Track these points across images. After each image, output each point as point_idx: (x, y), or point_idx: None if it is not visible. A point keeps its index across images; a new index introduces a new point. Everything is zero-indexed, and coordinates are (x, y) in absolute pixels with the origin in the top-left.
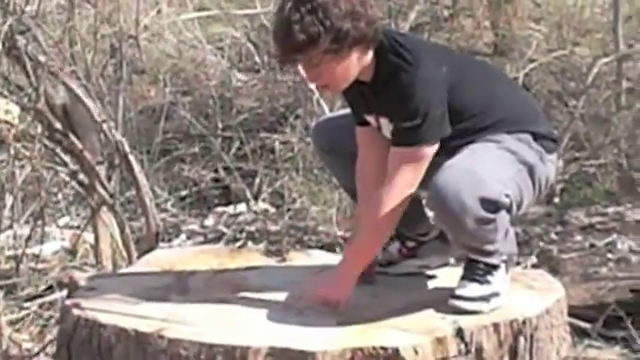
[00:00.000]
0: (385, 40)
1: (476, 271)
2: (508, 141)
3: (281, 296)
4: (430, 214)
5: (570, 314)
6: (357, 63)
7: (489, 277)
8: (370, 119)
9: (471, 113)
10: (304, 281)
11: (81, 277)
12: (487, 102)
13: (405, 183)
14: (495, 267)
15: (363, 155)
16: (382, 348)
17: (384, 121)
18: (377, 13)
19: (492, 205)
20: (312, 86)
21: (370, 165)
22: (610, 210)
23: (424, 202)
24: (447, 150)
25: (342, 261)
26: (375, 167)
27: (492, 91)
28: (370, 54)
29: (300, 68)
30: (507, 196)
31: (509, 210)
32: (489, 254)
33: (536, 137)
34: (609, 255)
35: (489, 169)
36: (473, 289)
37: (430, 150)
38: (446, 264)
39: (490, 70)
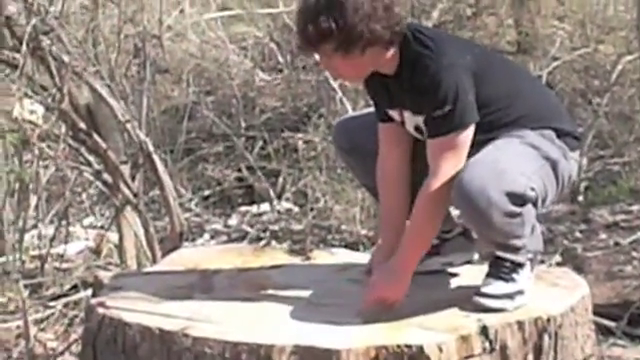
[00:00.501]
0: (408, 33)
1: (502, 269)
2: (531, 137)
3: (305, 294)
4: (454, 211)
5: (595, 312)
6: (373, 61)
7: (515, 275)
8: (394, 114)
9: (495, 107)
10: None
11: (106, 276)
12: (510, 97)
13: (449, 173)
14: (521, 265)
15: (384, 152)
16: (406, 346)
17: (408, 114)
18: (402, 13)
19: (518, 199)
20: (334, 84)
21: (392, 162)
22: (635, 208)
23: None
24: (471, 144)
25: (396, 257)
26: (397, 164)
27: (516, 86)
28: (392, 50)
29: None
30: (532, 189)
31: (535, 204)
32: (516, 250)
33: (559, 134)
34: (634, 253)
35: (513, 163)
36: (498, 287)
37: (467, 135)
38: (470, 261)
39: (513, 66)
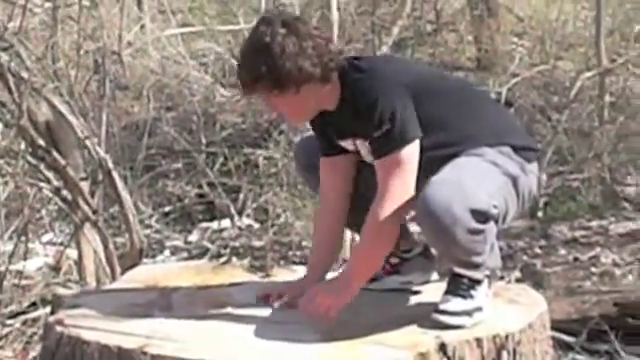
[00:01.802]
0: (346, 64)
1: (460, 286)
2: (490, 154)
3: (264, 312)
4: (415, 230)
5: (554, 328)
6: (311, 99)
7: (472, 292)
8: (347, 145)
9: (443, 126)
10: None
11: (64, 294)
12: (460, 115)
13: (397, 191)
14: (479, 282)
15: (327, 185)
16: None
17: (360, 142)
18: (335, 49)
19: (482, 216)
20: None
21: (333, 194)
22: (594, 224)
23: (408, 218)
24: (422, 163)
25: (343, 272)
26: (337, 195)
27: (465, 104)
28: (329, 86)
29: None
30: (495, 207)
31: (497, 221)
32: (476, 267)
33: (516, 149)
34: (593, 269)
35: (476, 181)
36: (456, 304)
37: (411, 151)
38: (428, 281)
39: (461, 85)
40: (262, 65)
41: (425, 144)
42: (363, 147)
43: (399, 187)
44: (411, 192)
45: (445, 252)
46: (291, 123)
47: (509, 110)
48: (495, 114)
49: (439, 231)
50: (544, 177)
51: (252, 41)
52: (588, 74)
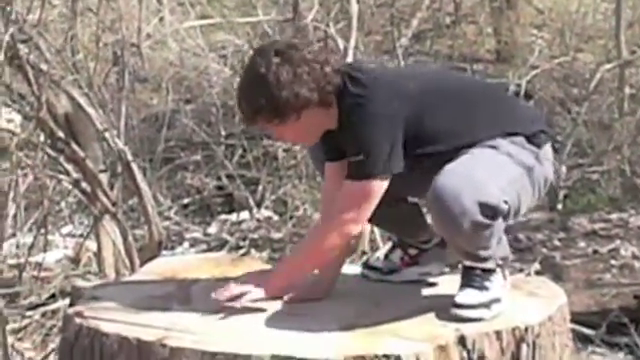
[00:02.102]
0: (346, 77)
1: (473, 277)
2: (504, 145)
3: (283, 304)
4: (429, 216)
5: (574, 320)
6: (314, 121)
7: (486, 283)
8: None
9: (449, 134)
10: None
11: (83, 286)
12: (468, 117)
13: (348, 217)
14: (491, 271)
15: (329, 188)
16: (384, 356)
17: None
18: (333, 71)
19: (490, 210)
20: None
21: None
22: (613, 216)
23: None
24: (425, 170)
25: (274, 270)
26: None
27: (471, 104)
28: (328, 108)
29: None
30: (505, 202)
31: (506, 217)
32: (483, 259)
33: (528, 137)
34: (612, 261)
35: (489, 174)
36: (473, 296)
37: (376, 186)
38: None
39: (464, 82)
40: (260, 97)
41: (435, 151)
42: None
43: (353, 215)
44: (359, 225)
45: (450, 241)
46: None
47: (516, 96)
48: (503, 104)
49: (446, 219)
50: (564, 169)
51: (248, 73)
52: (608, 66)
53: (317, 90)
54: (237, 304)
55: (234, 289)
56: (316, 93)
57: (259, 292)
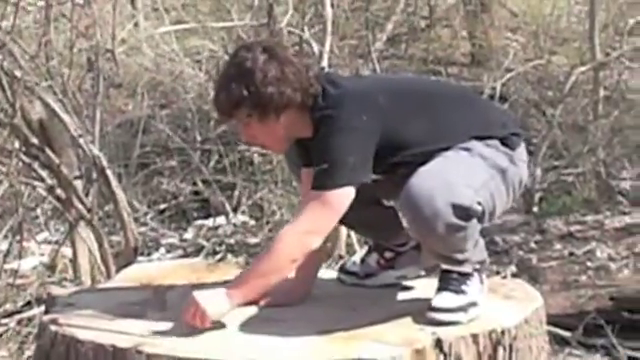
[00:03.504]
0: (319, 88)
1: (450, 281)
2: (478, 147)
3: (260, 309)
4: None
5: (550, 323)
6: (290, 125)
7: (464, 287)
8: None
9: (424, 140)
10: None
11: (59, 293)
12: (439, 123)
13: (308, 228)
14: (468, 275)
15: (305, 193)
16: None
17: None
18: (314, 76)
19: (464, 212)
20: None
21: None
22: (589, 218)
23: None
24: (400, 175)
25: (232, 282)
26: None
27: (445, 109)
28: (305, 115)
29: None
30: (479, 204)
31: (480, 219)
32: (459, 263)
33: (502, 140)
34: (588, 263)
35: (462, 176)
36: (449, 299)
37: (339, 196)
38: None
39: (438, 87)
40: (243, 90)
41: (413, 157)
42: None
43: (313, 224)
44: (320, 236)
45: (425, 244)
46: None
47: (487, 100)
48: (476, 107)
49: (419, 222)
50: (539, 172)
51: (232, 67)
52: (582, 68)
53: (300, 91)
54: (205, 324)
55: (194, 306)
56: (299, 94)
57: (223, 305)
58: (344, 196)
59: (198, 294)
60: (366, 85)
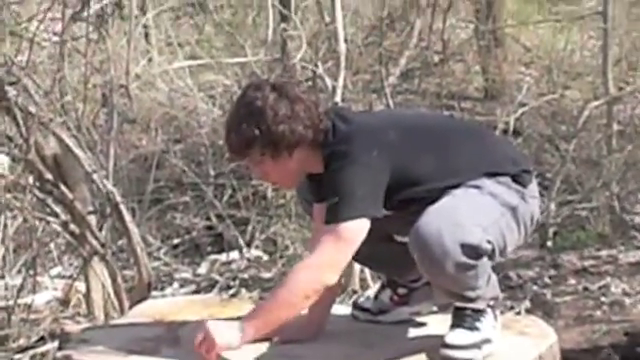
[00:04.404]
0: (329, 124)
1: (464, 318)
2: (488, 185)
3: (275, 345)
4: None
5: (565, 358)
6: (302, 162)
7: (477, 323)
8: None
9: (434, 177)
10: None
11: (73, 328)
12: (449, 160)
13: (324, 260)
14: (482, 312)
15: (318, 229)
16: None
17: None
18: (323, 113)
19: (473, 251)
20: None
21: None
22: (603, 253)
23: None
24: (411, 212)
25: (246, 316)
26: None
27: (456, 145)
28: (316, 151)
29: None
30: (489, 242)
31: (491, 257)
32: (472, 300)
33: (513, 177)
34: (603, 298)
35: (471, 215)
36: (463, 336)
37: (352, 229)
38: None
39: (452, 125)
40: (255, 129)
41: (424, 194)
42: None
43: (329, 258)
44: (336, 270)
45: (436, 283)
46: (282, 187)
47: (499, 136)
48: (488, 144)
49: (429, 261)
50: (553, 206)
51: (242, 107)
52: (596, 103)
53: (312, 128)
54: (211, 354)
55: (205, 334)
56: (311, 131)
57: (233, 337)
58: (358, 229)
59: (212, 323)
60: (377, 120)
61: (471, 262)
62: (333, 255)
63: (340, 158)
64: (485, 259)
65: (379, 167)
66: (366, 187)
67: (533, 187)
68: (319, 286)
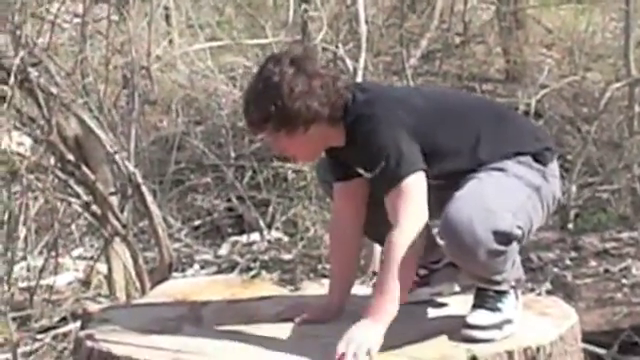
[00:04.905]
0: (350, 96)
1: (486, 299)
2: (511, 166)
3: (295, 325)
4: (441, 243)
5: (585, 340)
6: (320, 137)
7: (499, 304)
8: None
9: (454, 152)
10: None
11: (94, 308)
12: (472, 137)
13: (407, 219)
14: (504, 293)
15: (338, 209)
16: None
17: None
18: (343, 87)
19: (505, 237)
20: None
21: (345, 219)
22: (624, 235)
23: (435, 231)
24: (430, 189)
25: (372, 308)
26: (350, 221)
27: (477, 123)
28: (336, 124)
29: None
30: (519, 227)
31: (520, 241)
32: (498, 283)
33: (534, 156)
34: (624, 280)
35: (500, 200)
36: (485, 317)
37: (413, 182)
38: (456, 292)
39: (469, 102)
40: (271, 104)
41: (442, 170)
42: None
43: (406, 218)
44: (421, 219)
45: (466, 269)
46: (301, 161)
47: (520, 115)
48: (509, 123)
49: (460, 249)
50: (574, 188)
51: (260, 80)
52: (617, 85)
53: (328, 105)
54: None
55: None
56: (327, 108)
57: (377, 330)
58: (419, 180)
59: (352, 332)
60: (402, 90)
61: (502, 248)
62: (413, 209)
63: (367, 123)
64: (515, 244)
65: (406, 126)
66: (402, 143)
67: (554, 166)
68: (421, 240)
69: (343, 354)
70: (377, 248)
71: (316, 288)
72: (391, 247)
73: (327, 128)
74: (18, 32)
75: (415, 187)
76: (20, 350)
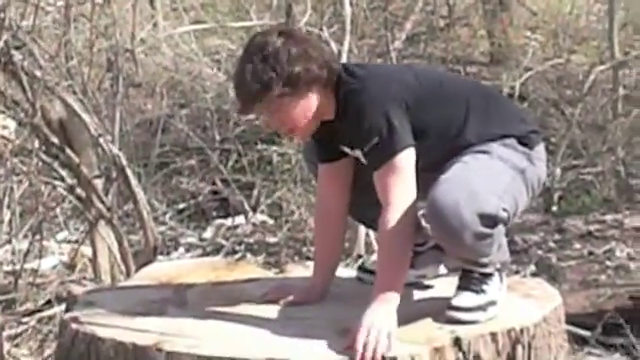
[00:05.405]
0: (342, 71)
1: (471, 281)
2: (496, 149)
3: (280, 308)
4: (426, 225)
5: (569, 322)
6: (316, 104)
7: (484, 286)
8: (348, 152)
9: (440, 130)
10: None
11: (79, 291)
12: (460, 115)
13: (397, 199)
14: (489, 275)
15: (323, 191)
16: (381, 357)
17: (358, 152)
18: (333, 53)
19: (490, 220)
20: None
21: (330, 200)
22: (608, 217)
23: (420, 213)
24: (428, 169)
25: (378, 290)
26: (335, 202)
27: (464, 103)
28: (329, 94)
29: (262, 118)
30: (505, 210)
31: (505, 224)
32: (483, 265)
33: (519, 139)
34: (608, 262)
35: (485, 183)
36: (469, 299)
37: (404, 158)
38: (440, 274)
39: (458, 82)
40: (270, 71)
41: (428, 149)
42: (360, 156)
43: (399, 194)
44: (412, 195)
45: (452, 252)
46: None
47: (505, 97)
48: (496, 106)
49: (447, 232)
50: (558, 171)
51: (254, 52)
52: (601, 67)
53: (325, 68)
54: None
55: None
56: (325, 70)
57: (390, 311)
58: (407, 156)
59: (362, 323)
60: (392, 66)
61: (488, 231)
62: (403, 186)
63: (358, 97)
64: (501, 226)
65: (398, 100)
66: (394, 118)
67: (540, 149)
68: (411, 220)
69: (365, 345)
70: (362, 231)
71: (301, 271)
72: (386, 227)
73: (322, 96)
74: (2, 15)
75: (406, 163)
76: (5, 333)
